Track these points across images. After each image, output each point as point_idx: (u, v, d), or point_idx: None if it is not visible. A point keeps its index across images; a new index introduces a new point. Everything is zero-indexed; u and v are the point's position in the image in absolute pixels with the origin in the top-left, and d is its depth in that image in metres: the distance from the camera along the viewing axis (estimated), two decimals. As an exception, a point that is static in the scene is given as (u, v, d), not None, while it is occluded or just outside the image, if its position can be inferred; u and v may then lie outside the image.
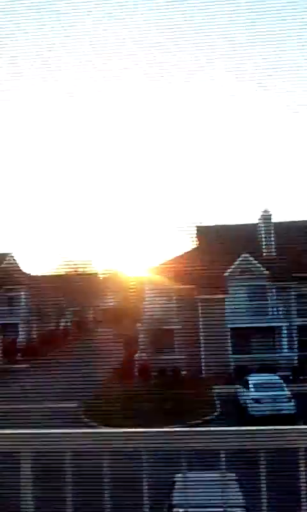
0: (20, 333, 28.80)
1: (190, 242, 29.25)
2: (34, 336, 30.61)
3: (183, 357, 20.25)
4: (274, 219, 24.36)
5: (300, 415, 13.11)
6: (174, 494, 5.58)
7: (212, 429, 2.12)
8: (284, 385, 14.25)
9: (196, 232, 27.27)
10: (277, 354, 19.33)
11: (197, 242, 26.37)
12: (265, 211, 24.29)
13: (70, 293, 34.51)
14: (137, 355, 20.23)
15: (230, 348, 19.83)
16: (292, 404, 13.26)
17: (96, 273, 42.12)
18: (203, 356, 19.90)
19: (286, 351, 19.47)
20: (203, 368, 19.62)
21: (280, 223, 24.40)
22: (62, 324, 36.26)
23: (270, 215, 24.22)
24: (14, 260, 34.38)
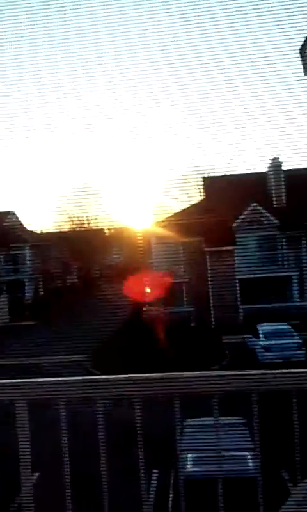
0: (26, 290, 28.85)
1: (197, 194, 28.56)
2: (41, 293, 30.70)
3: (192, 309, 20.10)
4: (284, 167, 23.52)
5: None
6: (183, 439, 5.44)
7: (206, 373, 1.96)
8: (295, 333, 14.01)
9: (203, 183, 26.58)
10: (287, 304, 19.05)
11: (205, 194, 25.72)
12: (275, 159, 23.41)
13: (76, 250, 34.36)
14: (145, 308, 20.10)
15: (239, 299, 19.59)
16: (302, 351, 13.06)
17: (102, 229, 41.84)
18: (212, 308, 19.72)
19: (297, 300, 19.17)
20: (212, 319, 19.47)
21: (290, 171, 23.59)
22: (68, 281, 36.34)
23: (280, 163, 23.34)
24: (17, 218, 34.09)
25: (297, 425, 1.96)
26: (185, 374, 2.02)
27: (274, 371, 2.07)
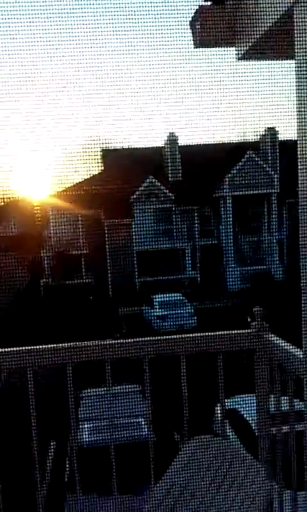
0: None
1: (96, 166, 28.47)
2: None
3: (90, 281, 20.38)
4: (180, 143, 24.21)
5: (201, 329, 13.93)
6: (80, 408, 5.73)
7: (99, 342, 2.12)
8: (187, 302, 14.92)
9: (101, 155, 26.50)
10: (181, 275, 20.09)
11: (103, 166, 25.72)
12: (170, 134, 24.00)
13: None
14: (43, 281, 19.98)
15: (136, 271, 20.24)
16: (194, 319, 13.99)
17: (-4, 199, 40.13)
18: (110, 280, 20.18)
19: (190, 270, 20.26)
20: (110, 291, 19.95)
21: (185, 147, 24.37)
22: None
23: (176, 138, 24.00)
24: None
25: (186, 389, 2.25)
26: (78, 343, 2.14)
27: (163, 337, 2.27)
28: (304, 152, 1.51)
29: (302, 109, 1.46)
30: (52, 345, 2.08)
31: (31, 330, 14.81)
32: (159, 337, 2.29)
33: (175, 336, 2.23)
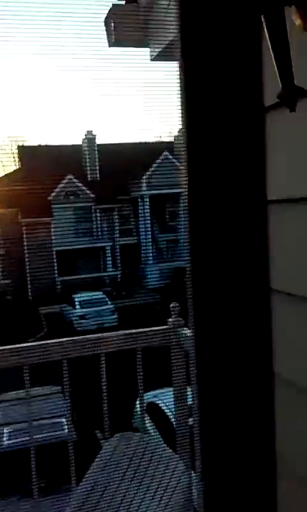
0: None
1: (12, 163, 27.53)
2: None
3: (9, 282, 19.75)
4: (98, 141, 24.10)
5: (122, 326, 14.01)
6: None
7: (16, 346, 2.15)
8: (108, 300, 14.93)
9: (17, 152, 25.72)
10: (101, 273, 20.05)
11: (20, 164, 25.00)
12: (89, 132, 23.82)
13: None
14: None
15: (56, 270, 19.90)
16: (115, 317, 14.04)
17: None
18: (29, 280, 19.66)
19: (110, 269, 20.27)
20: (29, 291, 19.45)
21: (103, 145, 24.31)
22: None
23: (94, 136, 23.85)
24: None
25: (106, 387, 2.30)
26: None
27: (82, 337, 2.31)
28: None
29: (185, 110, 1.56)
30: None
31: None
32: (78, 337, 2.32)
33: (94, 336, 2.27)
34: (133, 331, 2.30)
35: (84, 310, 14.83)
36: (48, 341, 2.16)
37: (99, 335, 2.16)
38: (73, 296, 15.68)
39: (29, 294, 19.27)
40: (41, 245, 20.24)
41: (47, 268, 19.77)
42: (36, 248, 20.14)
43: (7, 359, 2.10)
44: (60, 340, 2.17)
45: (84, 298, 15.44)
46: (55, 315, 16.04)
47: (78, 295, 15.81)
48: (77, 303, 15.16)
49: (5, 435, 6.42)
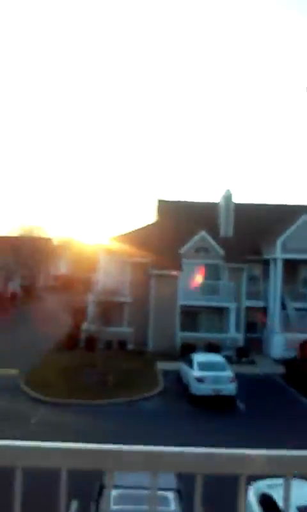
0: None
1: (150, 216, 28.79)
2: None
3: (131, 331, 20.17)
4: (235, 200, 24.28)
5: (240, 396, 13.31)
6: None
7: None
8: (228, 366, 14.34)
9: (156, 206, 26.89)
10: (223, 335, 19.55)
11: (157, 217, 26.03)
12: (227, 191, 24.16)
13: (21, 256, 33.42)
14: (84, 325, 19.94)
15: (178, 325, 19.89)
16: (233, 385, 13.38)
17: (50, 238, 41.04)
18: (151, 331, 19.89)
19: (232, 331, 19.70)
20: (150, 343, 19.62)
21: (240, 204, 24.41)
22: (10, 287, 35.21)
23: (231, 195, 24.10)
24: None
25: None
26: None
27: (228, 452, 1.97)
28: None
29: None
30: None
31: (70, 378, 14.57)
32: (217, 451, 1.96)
33: (238, 452, 1.91)
34: (285, 453, 1.92)
35: (203, 372, 14.37)
36: (184, 449, 1.88)
37: (243, 451, 1.83)
38: (192, 355, 15.38)
39: (149, 345, 19.43)
40: (167, 297, 20.48)
41: (170, 321, 19.86)
42: (161, 299, 20.42)
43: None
44: (195, 450, 1.84)
45: (203, 360, 15.01)
46: (172, 371, 15.85)
47: (198, 355, 15.46)
48: (195, 364, 14.78)
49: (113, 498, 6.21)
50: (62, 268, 44.49)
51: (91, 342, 18.55)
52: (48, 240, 40.06)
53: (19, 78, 72.89)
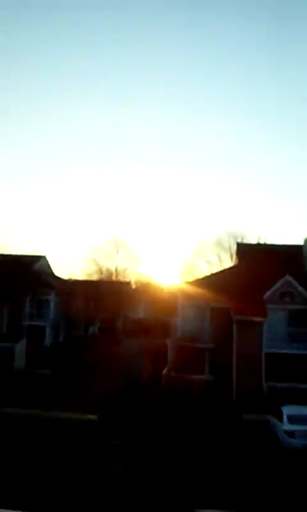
0: (46, 336, 28.24)
1: (230, 259, 28.23)
2: (60, 340, 29.98)
3: (213, 378, 19.26)
4: (321, 243, 23.20)
5: None
6: None
7: None
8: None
9: (237, 249, 26.32)
10: (315, 386, 18.10)
11: (238, 260, 25.37)
12: (312, 233, 23.16)
13: (101, 300, 33.82)
14: (164, 371, 19.35)
15: (264, 374, 18.73)
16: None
17: (129, 282, 41.41)
18: (234, 380, 18.84)
19: (324, 383, 18.21)
20: (234, 392, 18.56)
21: (327, 247, 23.26)
22: (90, 330, 35.56)
23: (318, 238, 23.07)
24: (47, 262, 34.06)
25: None
26: None
27: None
28: None
29: None
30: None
31: (150, 425, 13.96)
32: None
33: None
34: None
35: (294, 426, 13.20)
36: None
37: None
38: (281, 407, 14.23)
39: (234, 394, 18.35)
40: (251, 344, 19.46)
41: (254, 370, 18.76)
42: (245, 346, 19.43)
43: None
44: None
45: (295, 413, 13.82)
46: (259, 423, 14.74)
47: (288, 408, 14.27)
48: (285, 417, 13.64)
49: None
50: (141, 311, 44.48)
51: (171, 388, 17.90)
52: (127, 283, 40.43)
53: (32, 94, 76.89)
